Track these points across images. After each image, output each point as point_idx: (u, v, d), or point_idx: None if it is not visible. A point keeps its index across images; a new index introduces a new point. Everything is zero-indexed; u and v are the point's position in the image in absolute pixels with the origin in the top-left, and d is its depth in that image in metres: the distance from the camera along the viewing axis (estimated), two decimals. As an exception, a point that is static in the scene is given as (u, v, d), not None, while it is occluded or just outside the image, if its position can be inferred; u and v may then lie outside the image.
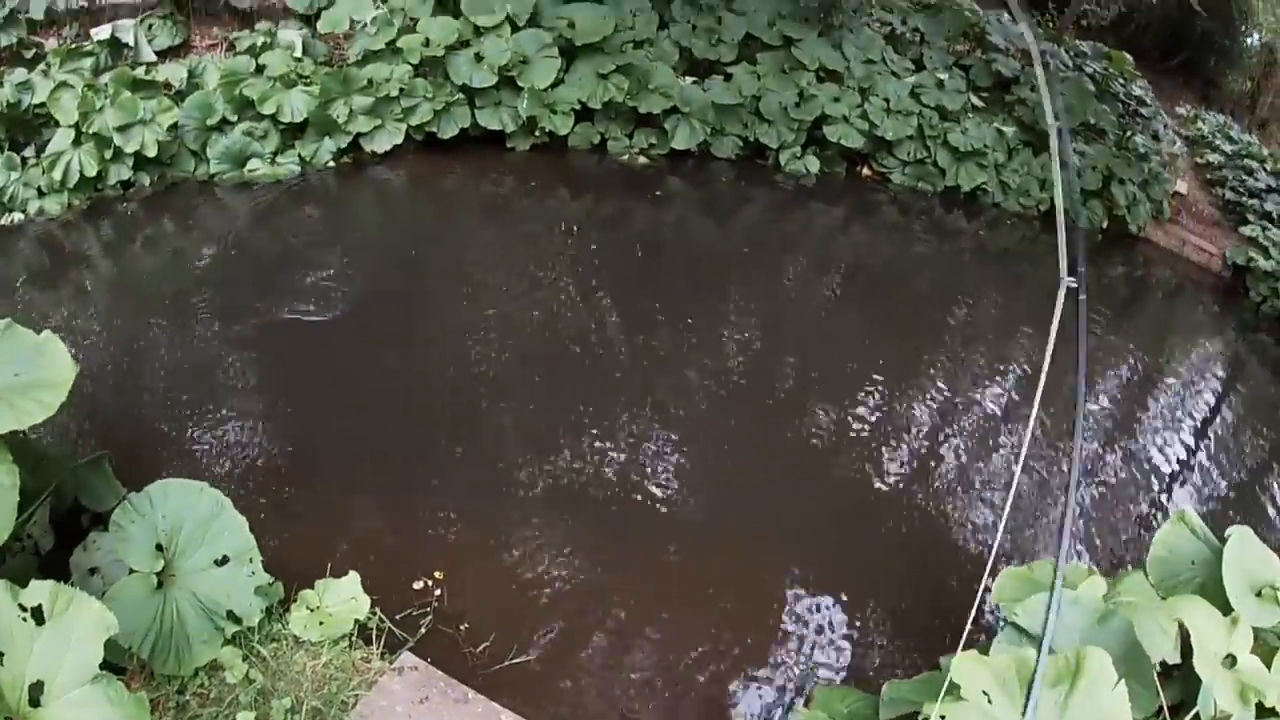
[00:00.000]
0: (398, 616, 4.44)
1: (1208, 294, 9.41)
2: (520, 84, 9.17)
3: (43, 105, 7.53)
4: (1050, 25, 12.19)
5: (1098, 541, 5.84)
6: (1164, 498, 6.51)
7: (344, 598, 4.16)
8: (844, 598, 5.03)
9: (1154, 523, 5.94)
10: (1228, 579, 3.57)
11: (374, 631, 4.20)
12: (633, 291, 7.62)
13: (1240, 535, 3.73)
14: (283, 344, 6.49)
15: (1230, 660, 3.23)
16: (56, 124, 7.51)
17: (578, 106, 9.36)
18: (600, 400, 6.25)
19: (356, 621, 4.10)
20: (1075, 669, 2.98)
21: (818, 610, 4.96)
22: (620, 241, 8.50)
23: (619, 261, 8.09)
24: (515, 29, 9.21)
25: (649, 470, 5.75)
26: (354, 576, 4.23)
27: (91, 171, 7.50)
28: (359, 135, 8.77)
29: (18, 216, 7.38)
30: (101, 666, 2.87)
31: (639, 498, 5.55)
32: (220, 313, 6.64)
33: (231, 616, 3.79)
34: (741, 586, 5.05)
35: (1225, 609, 3.43)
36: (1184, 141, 11.06)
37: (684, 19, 9.87)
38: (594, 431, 5.97)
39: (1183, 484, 6.73)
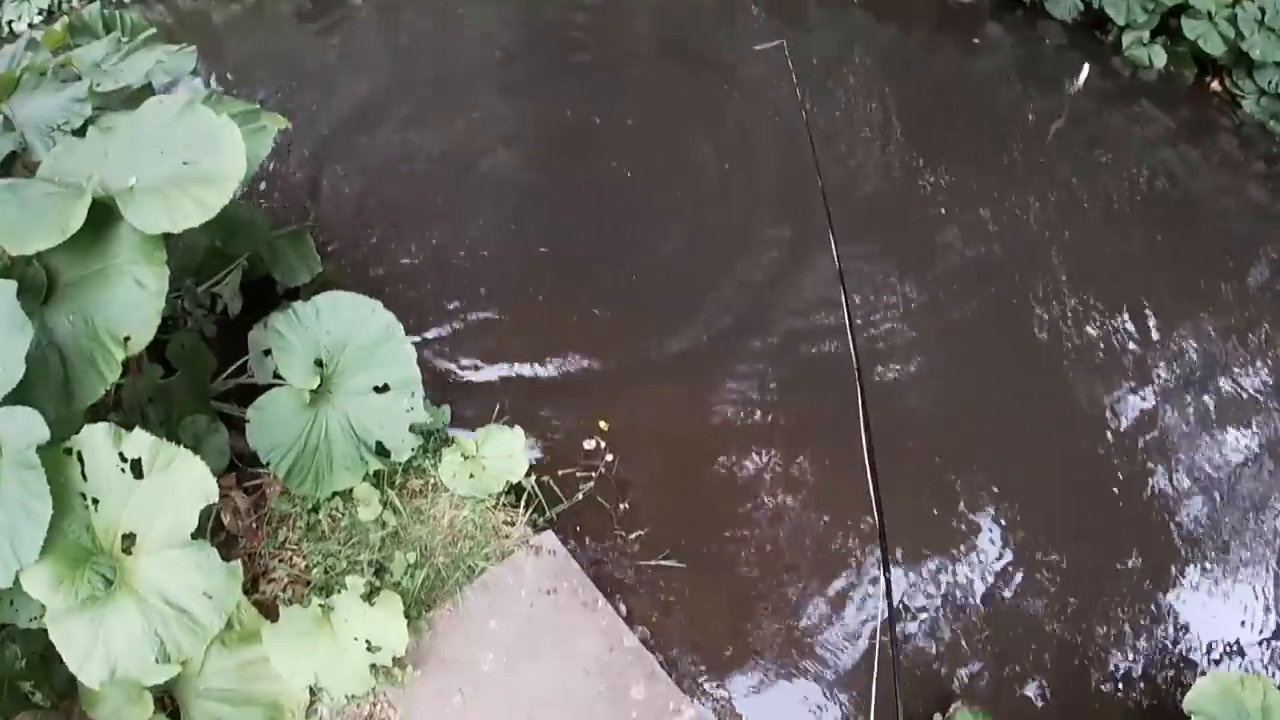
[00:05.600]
0: (560, 473, 4.11)
1: None
2: None
3: None
4: None
5: None
6: None
7: (502, 453, 3.78)
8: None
9: None
10: None
11: (526, 494, 3.88)
12: (915, 144, 6.19)
13: None
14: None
15: None
16: None
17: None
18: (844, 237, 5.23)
19: (509, 482, 3.77)
20: None
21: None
22: (917, 85, 6.81)
23: (909, 107, 6.50)
24: None
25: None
26: (518, 432, 3.82)
27: None
28: None
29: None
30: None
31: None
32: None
33: (380, 449, 3.53)
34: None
35: None
36: None
37: None
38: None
39: None
